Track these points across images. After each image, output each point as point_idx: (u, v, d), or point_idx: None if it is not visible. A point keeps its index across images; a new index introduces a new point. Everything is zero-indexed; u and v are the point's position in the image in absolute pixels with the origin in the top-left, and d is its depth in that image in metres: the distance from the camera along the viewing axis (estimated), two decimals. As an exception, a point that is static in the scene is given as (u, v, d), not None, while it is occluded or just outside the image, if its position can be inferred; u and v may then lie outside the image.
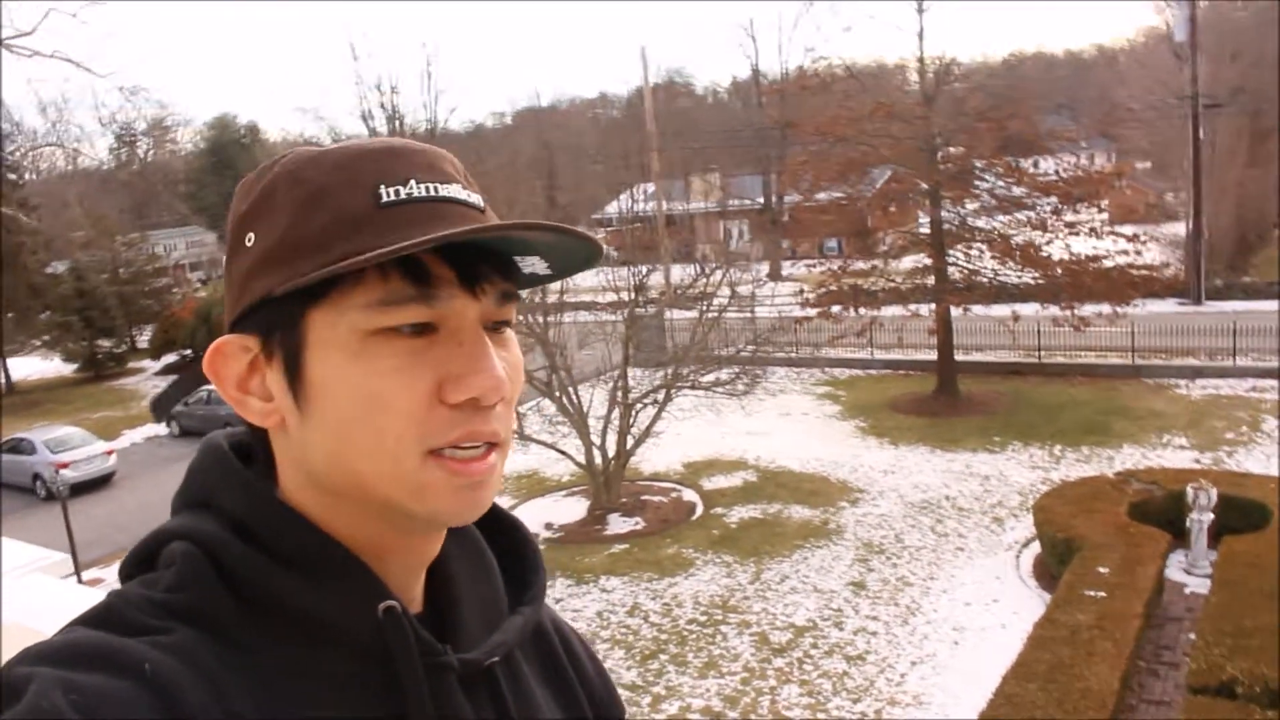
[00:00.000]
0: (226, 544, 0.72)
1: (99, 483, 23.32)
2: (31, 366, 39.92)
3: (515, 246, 0.76)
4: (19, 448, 24.04)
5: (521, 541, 0.96)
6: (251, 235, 0.74)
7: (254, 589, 0.71)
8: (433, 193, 0.75)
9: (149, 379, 36.29)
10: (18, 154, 39.50)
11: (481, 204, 0.79)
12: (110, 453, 24.14)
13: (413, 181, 0.74)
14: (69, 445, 23.66)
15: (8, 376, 38.72)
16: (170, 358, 37.59)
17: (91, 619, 0.68)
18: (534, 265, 0.79)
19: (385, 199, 0.73)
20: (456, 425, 0.73)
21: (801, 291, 24.38)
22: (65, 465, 22.76)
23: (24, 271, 36.17)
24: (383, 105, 45.59)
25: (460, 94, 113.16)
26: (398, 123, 44.18)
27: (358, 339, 0.72)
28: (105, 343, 38.83)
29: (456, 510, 0.75)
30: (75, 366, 39.00)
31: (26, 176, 40.51)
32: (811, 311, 22.11)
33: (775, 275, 27.45)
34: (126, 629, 0.67)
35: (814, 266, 23.26)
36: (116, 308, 38.23)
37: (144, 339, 39.87)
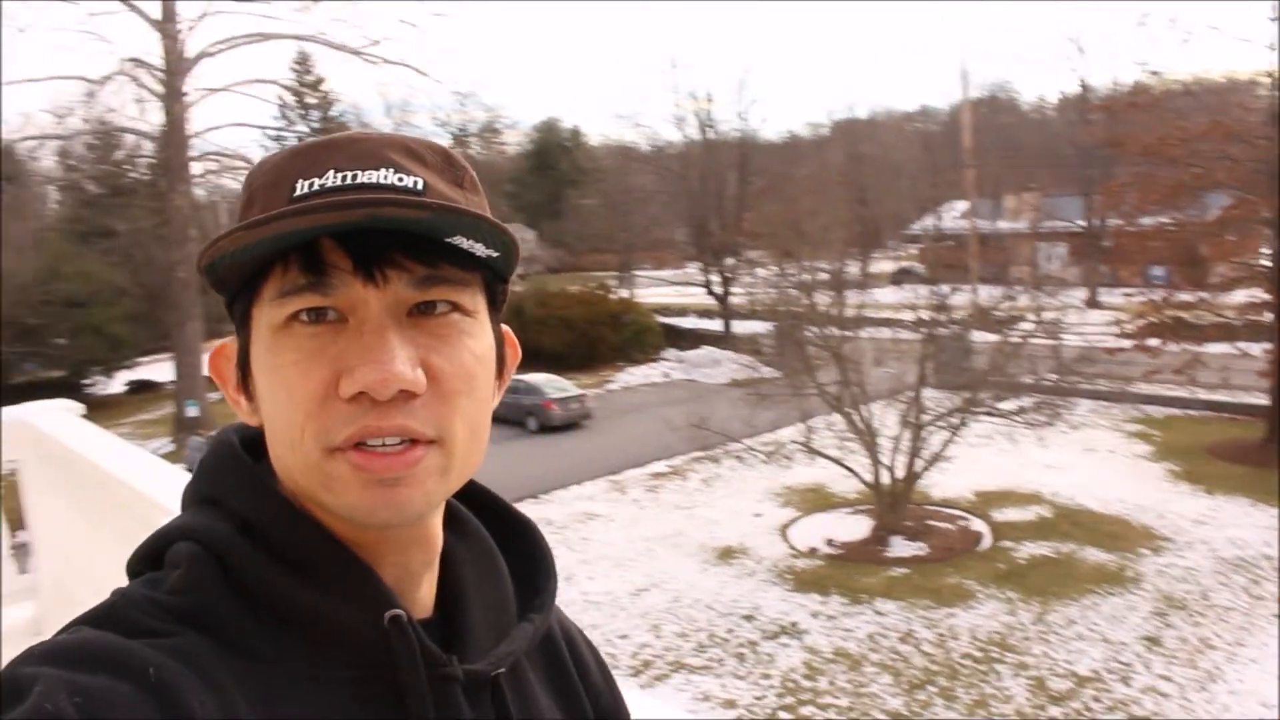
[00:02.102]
0: (233, 545, 0.72)
1: (574, 424, 27.43)
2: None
3: (443, 227, 0.71)
4: (517, 389, 27.11)
5: (533, 544, 0.91)
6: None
7: (260, 592, 0.71)
8: (346, 181, 0.72)
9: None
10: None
11: (418, 187, 0.73)
12: (584, 399, 28.01)
13: (330, 172, 0.72)
14: (555, 389, 27.64)
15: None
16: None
17: (96, 619, 0.68)
18: (474, 247, 0.73)
19: (297, 192, 0.72)
20: (352, 420, 0.70)
21: (1117, 321, 22.95)
22: (550, 405, 26.83)
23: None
24: (696, 113, 46.50)
25: (779, 103, 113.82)
26: (710, 130, 44.84)
27: (270, 333, 0.72)
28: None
29: (370, 508, 0.71)
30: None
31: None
32: (1126, 343, 20.76)
33: (1092, 302, 25.93)
34: (131, 630, 0.66)
35: (1132, 295, 21.78)
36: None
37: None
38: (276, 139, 40.85)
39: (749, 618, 13.69)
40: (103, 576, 4.30)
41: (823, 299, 17.95)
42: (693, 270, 43.90)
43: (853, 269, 25.38)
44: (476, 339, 0.76)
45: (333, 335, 0.71)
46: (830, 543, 16.12)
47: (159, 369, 40.60)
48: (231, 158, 35.09)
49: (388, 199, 0.69)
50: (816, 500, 18.53)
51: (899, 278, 39.81)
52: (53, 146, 39.62)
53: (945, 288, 17.74)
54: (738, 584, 14.95)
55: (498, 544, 0.90)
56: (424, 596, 0.81)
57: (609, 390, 32.43)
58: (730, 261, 38.49)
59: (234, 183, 42.67)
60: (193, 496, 0.79)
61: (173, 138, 32.76)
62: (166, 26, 31.71)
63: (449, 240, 0.72)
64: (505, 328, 0.86)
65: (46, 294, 37.55)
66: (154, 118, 31.55)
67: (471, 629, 0.81)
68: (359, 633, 0.73)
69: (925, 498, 17.59)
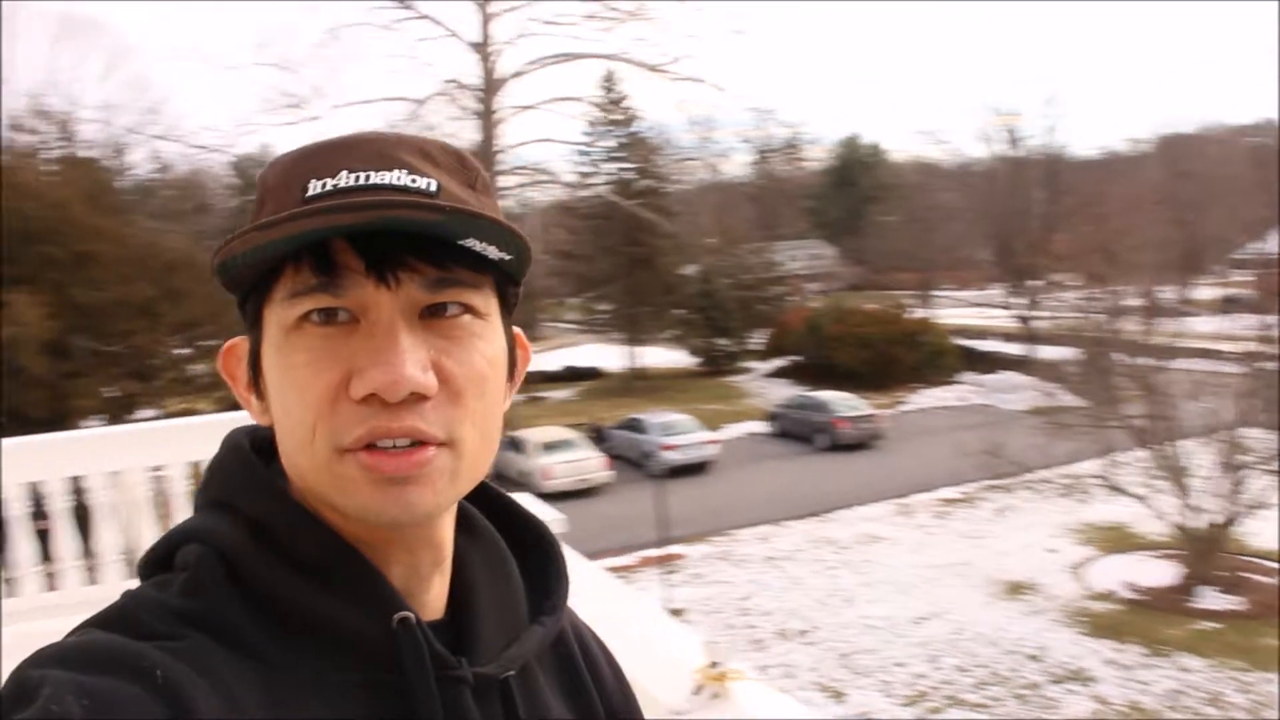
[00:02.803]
0: (241, 548, 0.73)
1: (697, 468, 25.38)
2: (659, 356, 44.37)
3: (456, 230, 0.71)
4: (635, 426, 27.01)
5: (546, 547, 0.91)
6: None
7: (268, 595, 0.71)
8: (359, 181, 0.71)
9: (757, 379, 38.90)
10: (666, 166, 44.13)
11: (432, 189, 0.73)
12: (712, 442, 26.17)
13: (343, 173, 0.72)
14: (677, 430, 26.09)
15: (640, 362, 43.54)
16: (779, 362, 40.00)
17: (105, 621, 0.68)
18: (487, 250, 0.73)
19: (309, 193, 0.71)
20: (363, 421, 0.70)
21: None
22: (671, 448, 25.12)
23: (660, 271, 40.50)
24: (1002, 129, 44.82)
25: (1095, 118, 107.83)
26: (1017, 146, 43.09)
27: (281, 333, 0.72)
28: (723, 341, 42.21)
29: (381, 507, 0.71)
30: (696, 360, 42.87)
31: (670, 187, 45.09)
32: None
33: None
34: (139, 633, 0.67)
35: None
36: (736, 310, 41.51)
37: (757, 341, 42.79)
38: (584, 154, 42.61)
39: (1034, 658, 13.01)
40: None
41: (1134, 326, 16.84)
42: (995, 292, 42.33)
43: (1169, 295, 23.67)
44: (488, 341, 0.76)
45: (344, 336, 0.71)
46: (1130, 587, 15.06)
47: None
48: (539, 171, 36.86)
49: (401, 201, 0.69)
50: (1116, 540, 17.37)
51: (1226, 306, 36.82)
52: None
53: (1276, 318, 16.21)
54: (1024, 622, 14.26)
55: (510, 547, 0.89)
56: (434, 599, 0.80)
57: (902, 411, 31.73)
58: (1035, 283, 36.86)
59: (541, 196, 45.03)
60: (203, 499, 0.79)
61: (485, 153, 34.81)
62: (483, 49, 33.77)
63: (461, 243, 0.72)
64: (517, 330, 0.84)
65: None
66: (470, 135, 33.61)
67: (481, 631, 0.80)
68: (367, 635, 0.73)
69: (1242, 547, 16.11)
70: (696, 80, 33.56)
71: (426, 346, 0.72)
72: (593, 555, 22.03)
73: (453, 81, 34.81)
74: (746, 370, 41.47)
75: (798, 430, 27.44)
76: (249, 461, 0.78)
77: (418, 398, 0.70)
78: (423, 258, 0.71)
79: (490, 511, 0.91)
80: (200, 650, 0.66)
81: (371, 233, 0.69)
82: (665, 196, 42.90)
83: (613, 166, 43.31)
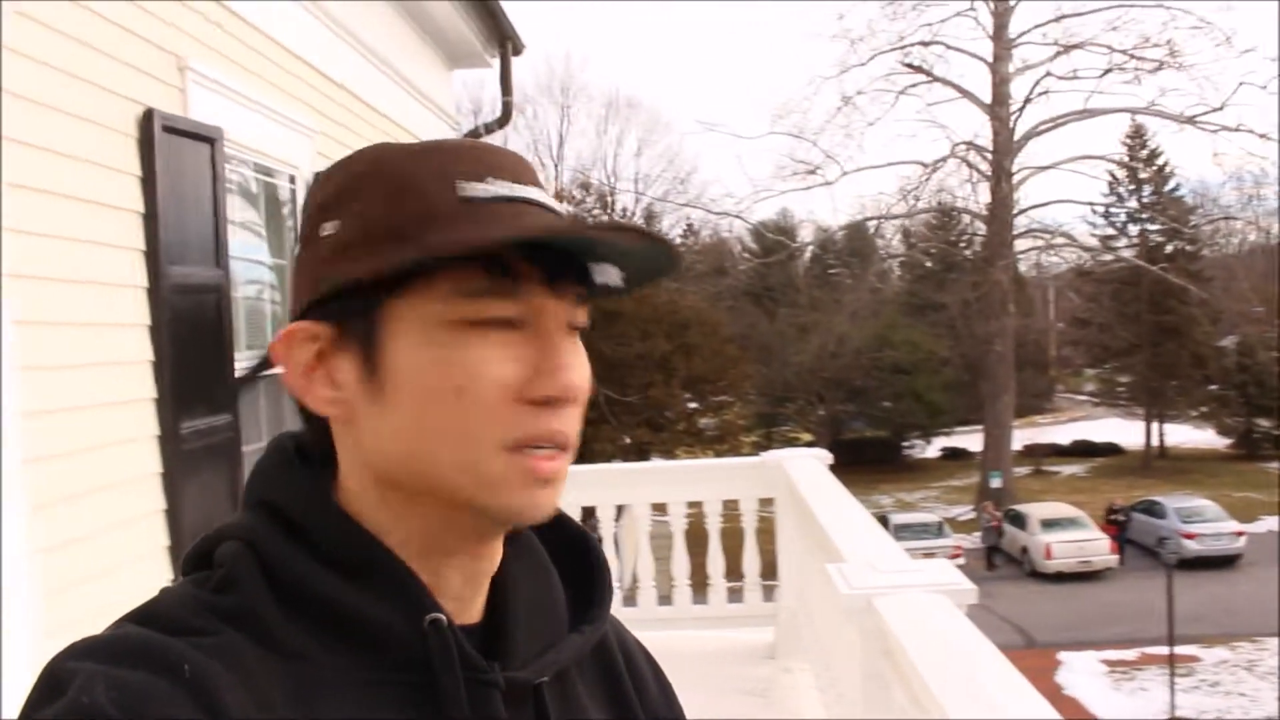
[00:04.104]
0: (277, 545, 0.74)
1: (1220, 561, 22.88)
2: (1184, 434, 40.56)
3: (590, 253, 0.75)
4: (1152, 509, 24.80)
5: (589, 557, 0.90)
6: (330, 224, 0.76)
7: (301, 593, 0.72)
8: (513, 191, 0.75)
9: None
10: (1201, 227, 40.40)
11: (560, 208, 0.78)
12: (1240, 534, 23.49)
13: (489, 178, 0.75)
14: (1199, 517, 23.67)
15: (1161, 440, 40.01)
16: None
17: (139, 616, 0.70)
18: (606, 274, 0.77)
19: (467, 194, 0.74)
20: (535, 422, 0.73)
21: None
22: (1191, 536, 22.84)
23: (1190, 342, 37.10)
24: None
25: None
26: None
27: (444, 330, 0.73)
28: (1262, 422, 37.72)
29: (526, 506, 0.74)
30: (1227, 441, 38.62)
31: (1205, 250, 41.22)
32: None
33: None
34: (172, 628, 0.68)
35: None
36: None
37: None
38: (1106, 215, 40.17)
39: None
40: (818, 614, 4.60)
41: None
42: None
43: None
44: (585, 355, 0.80)
45: (516, 339, 0.74)
46: None
47: (971, 438, 41.95)
48: (1056, 234, 35.32)
49: (585, 219, 0.75)
50: None
51: None
52: (895, 225, 43.24)
53: None
54: None
55: (551, 555, 0.88)
56: (476, 604, 0.81)
57: None
58: None
59: (1055, 259, 42.90)
60: (245, 499, 0.81)
61: (997, 216, 33.92)
62: (997, 110, 33.03)
63: (603, 266, 0.77)
64: None
65: (876, 360, 40.98)
66: (983, 197, 33.03)
67: (516, 636, 0.80)
68: (398, 635, 0.73)
69: None
70: (1238, 130, 30.69)
71: None
72: (1088, 645, 20.60)
73: (965, 144, 34.47)
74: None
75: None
76: (290, 462, 0.80)
77: (566, 403, 0.75)
78: (576, 275, 0.76)
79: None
80: (231, 646, 0.68)
81: (543, 244, 0.74)
82: (1199, 260, 39.40)
83: (1139, 228, 40.47)
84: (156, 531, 3.50)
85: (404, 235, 0.72)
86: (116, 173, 3.44)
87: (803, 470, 5.28)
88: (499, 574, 0.84)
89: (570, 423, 0.76)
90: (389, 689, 0.73)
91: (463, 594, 0.79)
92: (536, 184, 0.78)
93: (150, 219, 3.57)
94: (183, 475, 3.61)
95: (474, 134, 9.24)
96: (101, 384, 3.30)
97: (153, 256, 3.57)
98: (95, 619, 0.79)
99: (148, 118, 3.58)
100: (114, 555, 3.28)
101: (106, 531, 3.21)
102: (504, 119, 8.88)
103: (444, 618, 0.74)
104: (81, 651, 0.66)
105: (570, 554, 0.90)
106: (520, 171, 0.78)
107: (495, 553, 0.82)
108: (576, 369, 0.75)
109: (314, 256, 0.77)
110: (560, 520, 0.92)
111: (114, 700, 0.61)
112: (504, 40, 8.04)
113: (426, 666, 0.74)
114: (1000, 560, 26.86)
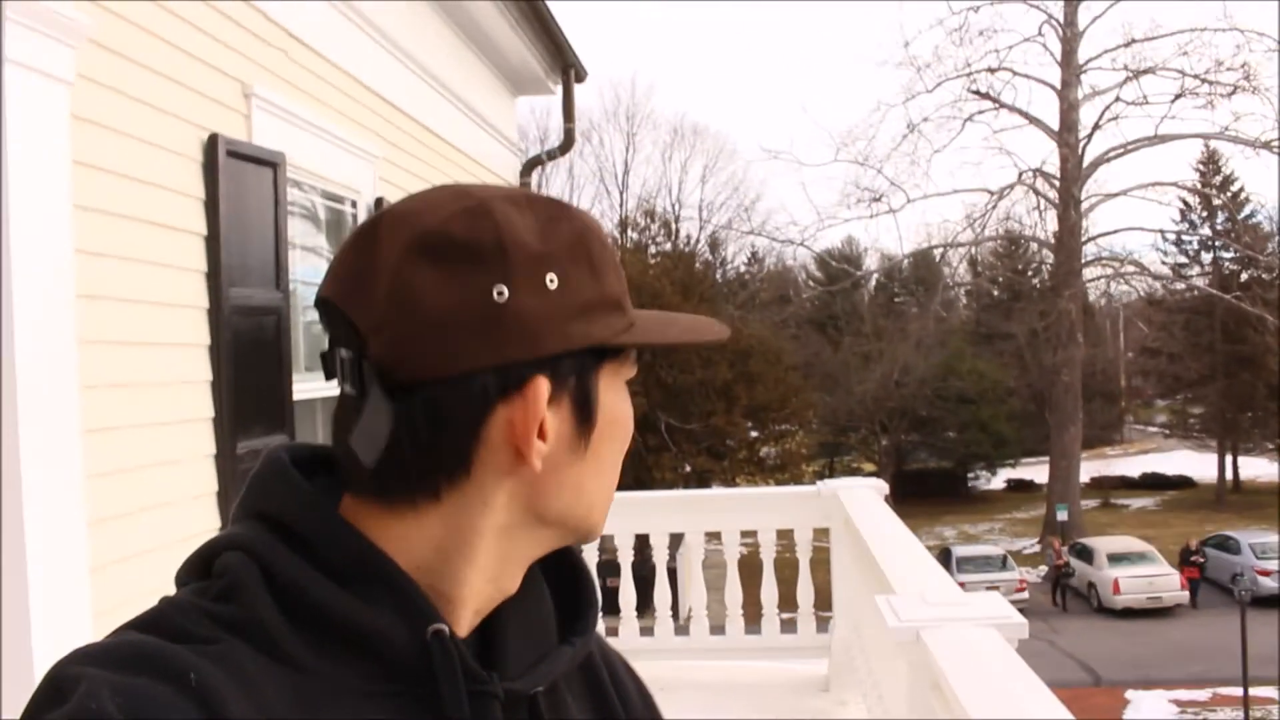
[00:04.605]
0: (278, 555, 0.74)
1: None
2: (1259, 468, 39.59)
3: None
4: (1225, 545, 24.20)
5: (576, 570, 0.92)
6: (555, 277, 0.75)
7: (303, 602, 0.72)
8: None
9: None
10: (1277, 254, 39.51)
11: None
12: None
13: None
14: (1275, 553, 23.02)
15: (1236, 473, 39.07)
16: None
17: (142, 624, 0.70)
18: None
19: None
20: None
21: None
22: (1267, 573, 22.24)
23: (1266, 373, 36.23)
24: None
25: None
26: None
27: (623, 387, 0.85)
28: (1342, 456, 36.73)
29: (600, 531, 0.86)
30: (1304, 475, 37.60)
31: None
32: None
33: None
34: (175, 636, 0.68)
35: None
36: (1361, 422, 35.98)
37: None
38: (1176, 243, 39.45)
39: None
40: (870, 646, 4.53)
41: None
42: None
43: None
44: None
45: None
46: None
47: (1037, 470, 41.27)
48: (1125, 262, 34.72)
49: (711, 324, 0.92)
50: None
51: None
52: (961, 253, 42.82)
53: None
54: None
55: (540, 568, 0.89)
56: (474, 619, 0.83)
57: None
58: None
59: (1125, 288, 42.12)
60: (242, 510, 0.82)
61: (1065, 244, 33.44)
62: (1065, 136, 32.60)
63: None
64: None
65: (941, 389, 40.52)
66: (1051, 225, 32.59)
67: (511, 648, 0.81)
68: (400, 645, 0.74)
69: None
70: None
71: None
72: (1158, 684, 20.10)
73: (1033, 170, 34.06)
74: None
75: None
76: (288, 474, 0.80)
77: None
78: None
79: None
80: (233, 654, 0.69)
81: None
82: (1276, 288, 38.48)
83: (1211, 255, 39.68)
84: (211, 549, 3.54)
85: (623, 308, 0.81)
86: (181, 196, 3.51)
87: (857, 500, 5.22)
88: None
89: None
90: (390, 699, 0.74)
91: (482, 609, 0.81)
92: None
93: (212, 241, 3.64)
94: (238, 495, 3.67)
95: (537, 160, 9.39)
96: (161, 403, 3.37)
97: (214, 278, 3.65)
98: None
99: (212, 142, 3.66)
100: (167, 574, 3.30)
101: (161, 549, 3.24)
102: (566, 145, 9.00)
103: (446, 628, 0.75)
104: (85, 657, 0.66)
105: (554, 563, 0.90)
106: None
107: None
108: None
109: (538, 308, 0.74)
110: None
111: (120, 706, 0.62)
112: (567, 68, 8.13)
113: (428, 677, 0.74)
114: (1067, 595, 26.35)
